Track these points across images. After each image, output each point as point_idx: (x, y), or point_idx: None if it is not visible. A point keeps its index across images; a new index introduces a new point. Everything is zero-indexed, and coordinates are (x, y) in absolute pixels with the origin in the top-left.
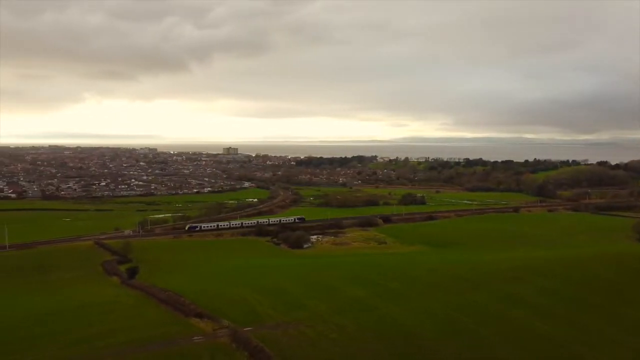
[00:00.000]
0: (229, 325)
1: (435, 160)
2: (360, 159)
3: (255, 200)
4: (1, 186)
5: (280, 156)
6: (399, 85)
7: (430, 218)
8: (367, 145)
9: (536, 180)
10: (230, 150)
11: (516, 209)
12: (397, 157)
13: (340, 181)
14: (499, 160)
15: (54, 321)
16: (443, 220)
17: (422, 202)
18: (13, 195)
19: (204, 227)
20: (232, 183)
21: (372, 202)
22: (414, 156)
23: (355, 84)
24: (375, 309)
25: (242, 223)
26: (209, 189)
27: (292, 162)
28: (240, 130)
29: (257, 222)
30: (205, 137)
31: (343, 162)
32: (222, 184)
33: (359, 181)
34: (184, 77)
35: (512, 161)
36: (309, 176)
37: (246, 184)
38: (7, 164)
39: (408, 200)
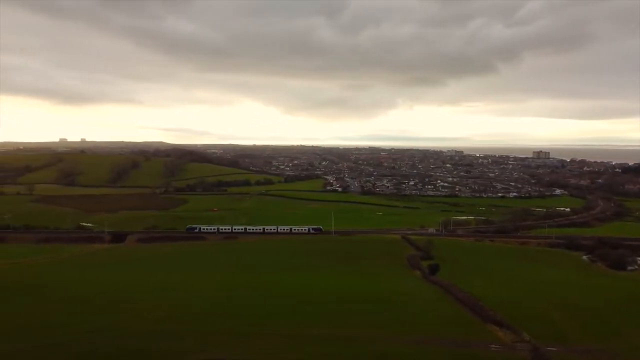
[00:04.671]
0: (530, 340)
1: None
2: None
3: (567, 209)
4: (331, 181)
5: (600, 162)
6: None
7: None
8: None
9: None
10: (540, 154)
11: None
12: None
13: None
14: None
15: (369, 302)
16: None
17: None
18: (339, 189)
19: (204, 229)
20: (540, 189)
21: None
22: None
23: None
24: None
25: (263, 229)
26: (514, 193)
27: (617, 169)
28: (553, 132)
29: (292, 229)
30: (513, 140)
31: None
32: (529, 189)
33: None
34: (490, 79)
35: None
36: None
37: (557, 191)
38: (336, 162)
39: None
